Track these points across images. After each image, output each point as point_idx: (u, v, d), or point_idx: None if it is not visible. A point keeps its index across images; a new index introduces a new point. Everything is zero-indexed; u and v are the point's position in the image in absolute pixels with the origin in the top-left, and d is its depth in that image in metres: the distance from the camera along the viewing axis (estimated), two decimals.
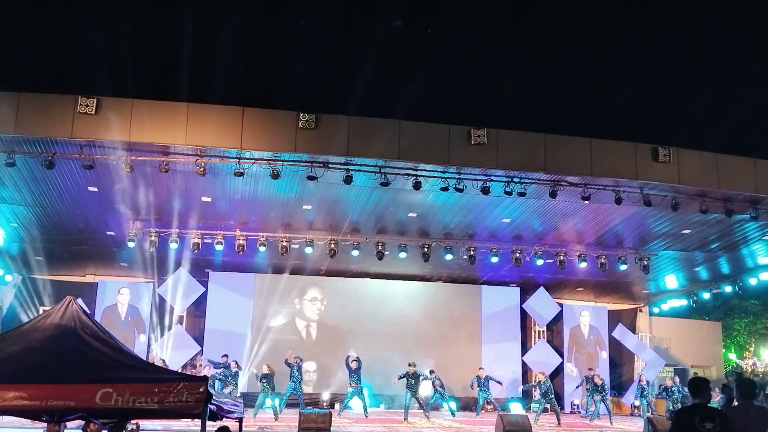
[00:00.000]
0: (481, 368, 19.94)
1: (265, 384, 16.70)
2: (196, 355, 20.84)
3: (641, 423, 17.21)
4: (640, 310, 25.04)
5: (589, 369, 20.80)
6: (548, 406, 18.56)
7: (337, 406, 19.38)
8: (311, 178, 13.62)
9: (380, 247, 18.50)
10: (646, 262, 19.35)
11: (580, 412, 21.90)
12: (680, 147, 14.56)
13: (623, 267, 19.52)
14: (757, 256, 19.42)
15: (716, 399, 15.31)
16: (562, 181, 14.42)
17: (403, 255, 18.73)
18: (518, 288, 23.46)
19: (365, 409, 17.60)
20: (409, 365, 17.72)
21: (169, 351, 19.96)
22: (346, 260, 20.10)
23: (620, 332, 22.80)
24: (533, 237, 18.72)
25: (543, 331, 23.61)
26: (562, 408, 22.54)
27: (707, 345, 27.02)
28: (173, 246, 17.83)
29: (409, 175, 13.93)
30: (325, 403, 20.10)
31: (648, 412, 18.69)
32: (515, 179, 14.28)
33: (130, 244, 17.62)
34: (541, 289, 22.72)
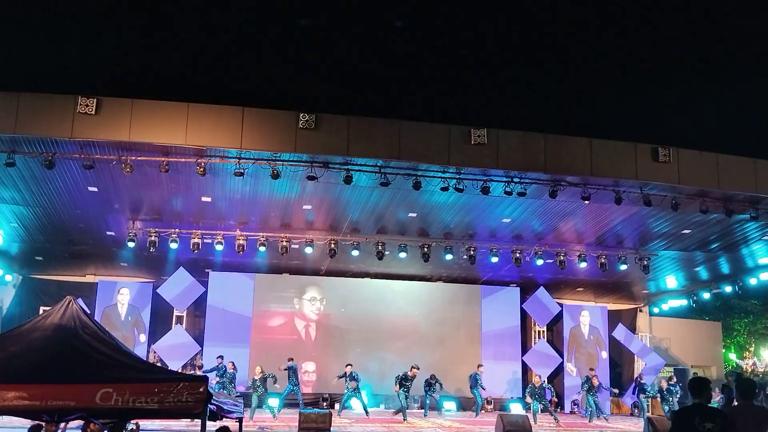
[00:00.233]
0: (480, 365, 19.96)
1: (258, 385, 16.92)
2: (196, 355, 20.86)
3: (641, 423, 17.21)
4: (640, 310, 25.05)
5: (590, 369, 20.79)
6: (541, 407, 18.54)
7: (336, 406, 19.37)
8: (311, 178, 13.60)
9: (380, 247, 18.49)
10: (646, 262, 19.35)
11: (580, 413, 21.90)
12: (680, 147, 14.54)
13: (623, 267, 19.52)
14: (757, 256, 19.41)
15: (716, 399, 15.32)
16: (562, 181, 14.40)
17: (403, 255, 18.72)
18: (518, 288, 23.44)
19: (365, 409, 17.60)
20: (413, 368, 17.74)
21: (169, 351, 19.97)
22: (345, 260, 20.09)
23: (620, 332, 22.80)
24: (533, 237, 18.71)
25: (543, 331, 23.60)
26: (562, 408, 22.57)
27: (707, 345, 27.04)
28: (173, 246, 17.83)
29: (409, 175, 13.91)
30: (325, 403, 20.10)
31: (648, 412, 18.70)
32: (515, 179, 14.26)
33: (130, 244, 17.62)
34: (541, 289, 22.70)
